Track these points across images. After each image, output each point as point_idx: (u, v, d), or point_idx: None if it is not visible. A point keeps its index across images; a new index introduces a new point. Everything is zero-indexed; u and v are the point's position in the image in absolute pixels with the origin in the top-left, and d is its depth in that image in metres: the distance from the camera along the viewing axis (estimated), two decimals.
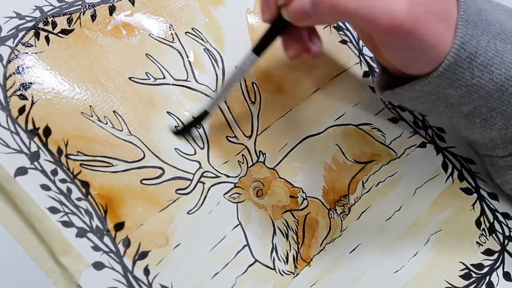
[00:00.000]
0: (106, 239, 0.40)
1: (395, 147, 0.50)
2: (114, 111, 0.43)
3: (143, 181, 0.42)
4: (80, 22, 0.44)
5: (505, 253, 0.49)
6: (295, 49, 0.40)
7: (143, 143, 0.43)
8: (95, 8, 0.44)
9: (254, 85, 0.48)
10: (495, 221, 0.51)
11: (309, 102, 0.49)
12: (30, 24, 0.42)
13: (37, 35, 0.42)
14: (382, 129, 0.51)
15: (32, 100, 0.41)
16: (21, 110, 0.40)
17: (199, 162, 0.44)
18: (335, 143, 0.49)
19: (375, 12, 0.33)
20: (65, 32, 0.43)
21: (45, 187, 0.40)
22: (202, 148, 0.45)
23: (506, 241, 0.50)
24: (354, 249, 0.46)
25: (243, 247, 0.43)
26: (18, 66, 0.41)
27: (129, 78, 0.44)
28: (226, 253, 0.43)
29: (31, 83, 0.41)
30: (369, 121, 0.51)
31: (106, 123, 0.42)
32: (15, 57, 0.41)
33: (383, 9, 0.33)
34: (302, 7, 0.35)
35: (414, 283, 0.46)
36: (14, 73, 0.41)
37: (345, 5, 0.33)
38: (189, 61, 0.46)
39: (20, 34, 0.42)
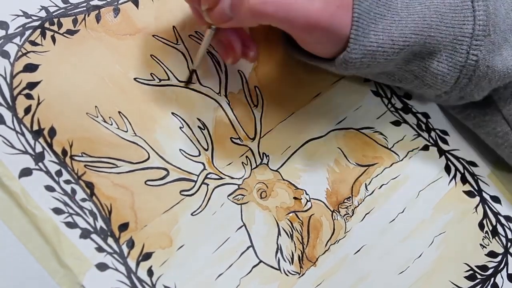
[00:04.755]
0: (110, 240, 0.40)
1: (397, 150, 0.51)
2: (119, 112, 0.43)
3: (148, 182, 0.42)
4: (85, 23, 0.44)
5: (509, 255, 0.50)
6: (231, 54, 0.44)
7: (147, 144, 0.43)
8: (100, 9, 0.45)
9: (257, 88, 0.48)
10: (498, 224, 0.51)
11: (311, 106, 0.50)
12: (36, 23, 0.42)
13: (43, 35, 0.42)
14: (384, 133, 0.51)
15: (38, 100, 0.41)
16: (27, 110, 0.40)
17: (203, 164, 0.44)
18: (337, 146, 0.49)
19: (292, 14, 0.36)
20: (70, 32, 0.43)
21: (49, 188, 0.40)
22: (207, 150, 0.45)
23: (509, 243, 0.50)
24: (358, 250, 0.46)
25: (247, 248, 0.43)
26: (25, 64, 0.41)
27: (134, 78, 0.44)
28: (230, 254, 0.43)
29: (37, 82, 0.41)
30: (371, 125, 0.51)
31: (111, 124, 0.42)
32: (22, 55, 0.41)
33: (299, 11, 0.36)
34: (222, 11, 0.38)
35: (419, 284, 0.46)
36: (21, 71, 0.41)
37: (264, 10, 0.36)
38: (193, 63, 0.46)
39: (27, 33, 0.42)
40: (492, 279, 0.48)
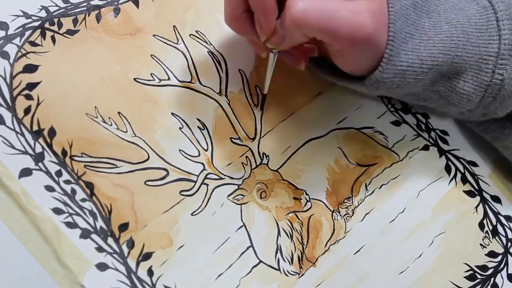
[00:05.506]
0: (110, 240, 0.40)
1: (398, 150, 0.51)
2: (118, 112, 0.43)
3: (147, 182, 0.42)
4: (85, 23, 0.44)
5: (509, 255, 0.50)
6: (301, 60, 0.45)
7: (147, 144, 0.43)
8: (100, 9, 0.45)
9: (257, 88, 0.48)
10: (498, 224, 0.51)
11: (311, 105, 0.50)
12: (36, 24, 0.42)
13: (43, 35, 0.42)
14: (384, 132, 0.51)
15: (38, 100, 0.41)
16: (27, 110, 0.40)
17: (203, 164, 0.44)
18: (338, 146, 0.49)
19: (337, 24, 0.36)
20: (70, 32, 0.43)
21: (49, 188, 0.40)
22: (206, 150, 0.45)
23: (509, 243, 0.50)
24: (358, 250, 0.46)
25: (247, 248, 0.43)
26: (25, 65, 0.41)
27: (134, 79, 0.44)
28: (230, 254, 0.43)
29: (37, 82, 0.41)
30: (371, 125, 0.51)
31: (111, 124, 0.42)
32: (22, 55, 0.41)
33: (345, 21, 0.36)
34: (279, 34, 0.39)
35: (419, 284, 0.46)
36: (21, 72, 0.41)
37: (305, 19, 0.35)
38: (193, 63, 0.46)
39: (27, 33, 0.42)
40: (492, 279, 0.48)
